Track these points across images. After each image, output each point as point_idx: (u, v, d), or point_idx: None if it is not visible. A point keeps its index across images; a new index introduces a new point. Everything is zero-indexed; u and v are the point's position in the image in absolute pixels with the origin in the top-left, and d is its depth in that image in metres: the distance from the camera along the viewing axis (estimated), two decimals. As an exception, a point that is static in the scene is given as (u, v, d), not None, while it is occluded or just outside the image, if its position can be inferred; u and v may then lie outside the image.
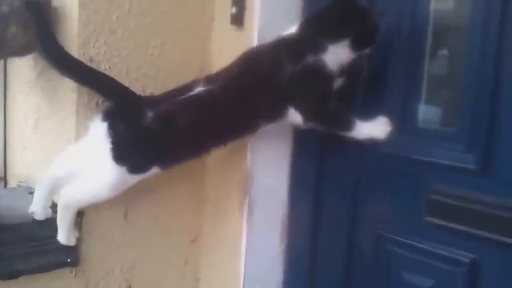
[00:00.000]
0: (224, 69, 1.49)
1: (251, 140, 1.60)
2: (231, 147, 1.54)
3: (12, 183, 1.98)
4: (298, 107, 1.41)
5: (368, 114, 1.40)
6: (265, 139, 1.59)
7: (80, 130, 1.56)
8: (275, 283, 1.72)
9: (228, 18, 1.66)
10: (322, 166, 1.62)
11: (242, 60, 1.48)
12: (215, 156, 1.79)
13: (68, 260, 1.57)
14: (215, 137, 1.48)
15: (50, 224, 1.56)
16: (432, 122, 1.45)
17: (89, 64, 1.54)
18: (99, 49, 1.56)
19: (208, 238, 1.83)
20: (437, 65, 1.44)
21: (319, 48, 1.38)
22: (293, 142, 1.66)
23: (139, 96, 1.54)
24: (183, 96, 1.46)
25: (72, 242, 1.52)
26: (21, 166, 1.93)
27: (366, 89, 1.51)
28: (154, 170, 1.47)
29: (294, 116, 1.42)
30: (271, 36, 1.49)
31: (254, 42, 1.59)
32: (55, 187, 1.50)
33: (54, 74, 1.64)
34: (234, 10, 1.64)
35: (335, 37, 1.38)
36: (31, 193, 1.77)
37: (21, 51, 1.62)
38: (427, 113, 1.44)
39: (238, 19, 1.64)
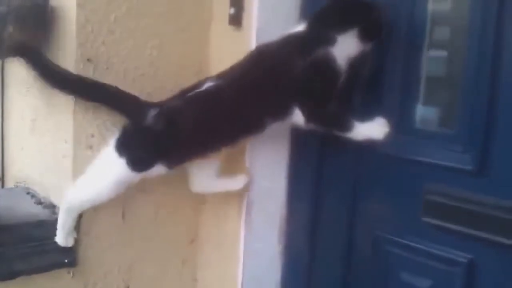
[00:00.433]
0: (232, 66, 1.48)
1: (250, 141, 1.60)
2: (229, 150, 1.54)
3: (9, 183, 1.98)
4: (302, 106, 1.41)
5: (366, 114, 1.40)
6: (264, 140, 1.58)
7: (78, 131, 1.56)
8: (273, 284, 1.72)
9: (226, 19, 1.66)
10: (321, 167, 1.62)
11: (251, 57, 1.48)
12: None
13: (66, 260, 1.57)
14: (221, 134, 1.47)
15: (48, 225, 1.57)
16: (430, 123, 1.46)
17: (87, 64, 1.54)
18: (97, 50, 1.56)
19: (206, 238, 1.83)
20: (435, 66, 1.44)
21: (329, 40, 1.38)
22: (291, 143, 1.66)
23: (144, 100, 1.54)
24: (190, 94, 1.46)
25: (70, 244, 1.53)
26: (19, 166, 1.93)
27: (364, 89, 1.51)
28: (159, 169, 1.47)
29: (297, 116, 1.42)
30: (269, 37, 1.50)
31: (252, 43, 1.59)
32: (80, 211, 1.53)
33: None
34: (232, 10, 1.64)
35: (344, 27, 1.38)
36: (29, 193, 1.77)
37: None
38: (425, 114, 1.44)
39: (236, 20, 1.64)
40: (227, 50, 1.70)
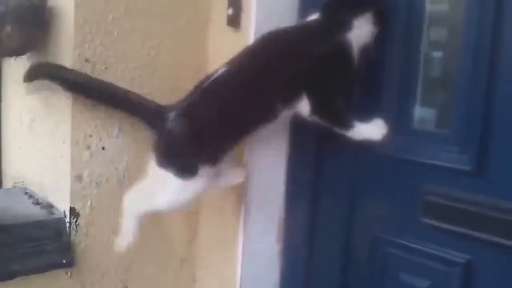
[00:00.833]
0: (243, 51, 1.46)
1: (248, 141, 1.60)
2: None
3: (7, 183, 1.97)
4: (311, 95, 1.39)
5: (364, 115, 1.40)
6: (262, 140, 1.58)
7: (76, 131, 1.56)
8: (271, 284, 1.72)
9: (224, 20, 1.66)
10: (319, 168, 1.62)
11: (263, 41, 1.45)
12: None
13: (64, 261, 1.57)
14: (241, 121, 1.43)
15: (45, 225, 1.57)
16: (427, 123, 1.46)
17: (84, 64, 1.54)
18: (95, 50, 1.55)
19: (205, 239, 1.83)
20: (432, 67, 1.44)
21: (346, 25, 1.38)
22: (289, 143, 1.66)
23: (161, 105, 1.50)
24: (204, 85, 1.44)
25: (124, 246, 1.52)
26: (17, 166, 1.93)
27: (362, 90, 1.51)
28: (208, 171, 1.42)
29: (304, 106, 1.40)
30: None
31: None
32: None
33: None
34: (230, 11, 1.64)
35: (360, 10, 1.38)
36: (27, 193, 1.77)
37: (16, 52, 1.62)
38: (422, 114, 1.45)
39: (234, 21, 1.64)
40: (225, 50, 1.69)
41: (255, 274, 1.70)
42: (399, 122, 1.43)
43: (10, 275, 1.49)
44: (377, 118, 1.40)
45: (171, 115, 1.42)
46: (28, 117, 1.80)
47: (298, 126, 1.57)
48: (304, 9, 1.60)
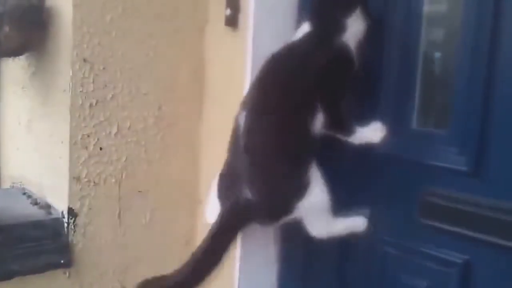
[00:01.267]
0: (252, 85, 1.43)
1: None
2: (225, 149, 1.54)
3: (5, 184, 1.97)
4: (322, 106, 1.36)
5: (362, 116, 1.40)
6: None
7: (74, 131, 1.56)
8: (269, 284, 1.72)
9: (222, 20, 1.66)
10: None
11: (268, 67, 1.41)
12: (209, 158, 1.79)
13: (62, 261, 1.57)
14: (290, 154, 1.38)
15: (44, 225, 1.57)
16: (425, 124, 1.46)
17: (83, 64, 1.54)
18: (93, 50, 1.56)
19: (202, 239, 1.83)
20: (430, 67, 1.44)
21: (339, 27, 1.36)
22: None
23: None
24: (237, 142, 1.39)
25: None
26: (15, 167, 1.93)
27: (361, 90, 1.51)
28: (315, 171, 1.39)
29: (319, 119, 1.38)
30: (265, 38, 1.50)
31: (249, 44, 1.58)
32: None
33: (48, 74, 1.65)
34: (228, 11, 1.63)
35: (350, 9, 1.37)
36: (25, 193, 1.77)
37: (14, 52, 1.63)
38: (420, 115, 1.45)
39: (232, 21, 1.64)
40: (223, 51, 1.70)
41: (253, 275, 1.70)
42: (397, 123, 1.43)
43: (9, 275, 1.49)
44: (375, 121, 1.40)
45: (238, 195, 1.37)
46: (26, 117, 1.80)
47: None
48: (302, 10, 1.60)
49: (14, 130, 1.91)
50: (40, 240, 1.55)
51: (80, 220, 1.59)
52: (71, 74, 1.53)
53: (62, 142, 1.58)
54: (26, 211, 1.63)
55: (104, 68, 1.58)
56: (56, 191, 1.64)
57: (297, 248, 1.68)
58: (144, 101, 1.67)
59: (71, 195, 1.58)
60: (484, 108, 1.26)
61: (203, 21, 1.75)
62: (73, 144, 1.56)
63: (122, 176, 1.65)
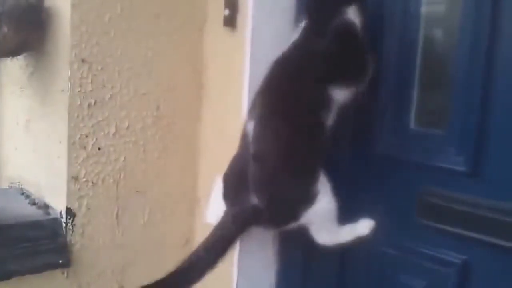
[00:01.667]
0: (260, 89, 1.40)
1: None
2: (224, 149, 1.54)
3: (3, 184, 1.97)
4: (341, 78, 1.34)
5: (360, 116, 1.40)
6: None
7: (72, 131, 1.56)
8: (267, 284, 1.72)
9: (221, 20, 1.66)
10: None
11: (275, 70, 1.39)
12: (208, 158, 1.79)
13: (60, 261, 1.57)
14: (306, 151, 1.36)
15: (42, 225, 1.56)
16: (424, 124, 1.46)
17: (81, 64, 1.54)
18: (91, 50, 1.56)
19: (201, 240, 1.83)
20: (429, 67, 1.44)
21: (339, 11, 1.34)
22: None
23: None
24: (247, 149, 1.37)
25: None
26: (13, 167, 1.93)
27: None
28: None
29: (338, 94, 1.34)
30: (264, 38, 1.49)
31: (247, 44, 1.58)
32: None
33: (46, 74, 1.65)
34: (226, 12, 1.63)
35: (344, 2, 1.35)
36: (23, 194, 1.77)
37: (12, 52, 1.62)
38: (418, 115, 1.45)
39: (230, 21, 1.64)
40: (222, 51, 1.70)
41: (252, 275, 1.70)
42: (396, 123, 1.43)
43: (7, 275, 1.49)
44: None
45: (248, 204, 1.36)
46: (24, 117, 1.80)
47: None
48: (300, 10, 1.60)
49: (13, 130, 1.90)
50: (38, 240, 1.55)
51: (78, 220, 1.59)
52: (69, 74, 1.53)
53: (60, 142, 1.58)
54: (24, 211, 1.63)
55: (102, 68, 1.58)
56: (54, 191, 1.64)
57: (296, 249, 1.68)
58: (143, 101, 1.67)
59: (69, 195, 1.58)
60: (482, 108, 1.26)
61: (201, 21, 1.75)
62: (71, 144, 1.56)
63: (120, 176, 1.65)
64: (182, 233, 1.83)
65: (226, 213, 1.41)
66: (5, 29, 1.50)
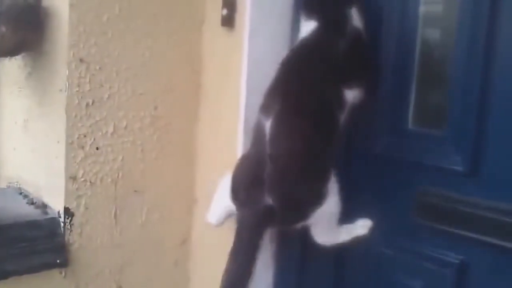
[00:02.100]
0: (271, 87, 1.39)
1: (240, 141, 1.60)
2: (221, 149, 1.54)
3: (2, 183, 1.97)
4: (355, 80, 1.37)
5: (358, 115, 1.40)
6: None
7: (70, 131, 1.56)
8: (265, 284, 1.72)
9: (218, 20, 1.66)
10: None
11: (288, 59, 1.40)
12: (206, 158, 1.79)
13: (58, 261, 1.57)
14: (320, 146, 1.36)
15: (40, 225, 1.56)
16: (422, 124, 1.46)
17: (79, 64, 1.54)
18: (89, 50, 1.55)
19: (198, 239, 1.83)
20: (426, 67, 1.45)
21: (347, 16, 1.37)
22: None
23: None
24: (265, 147, 1.34)
25: None
26: (11, 167, 1.93)
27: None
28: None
29: (350, 95, 1.37)
30: (262, 38, 1.49)
31: (245, 44, 1.58)
32: None
33: (44, 74, 1.64)
34: (225, 12, 1.63)
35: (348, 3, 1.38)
36: (21, 193, 1.77)
37: (10, 52, 1.62)
38: (416, 115, 1.45)
39: (229, 21, 1.64)
40: (220, 51, 1.70)
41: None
42: (394, 123, 1.43)
43: (4, 275, 1.49)
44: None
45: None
46: (22, 117, 1.80)
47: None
48: (297, 10, 1.60)
49: (11, 130, 1.90)
50: (36, 239, 1.55)
51: (76, 219, 1.59)
52: (67, 73, 1.53)
53: (58, 142, 1.58)
54: (22, 211, 1.63)
55: (100, 68, 1.58)
56: (52, 190, 1.64)
57: (293, 251, 1.68)
58: (141, 101, 1.67)
59: (67, 195, 1.58)
60: (480, 108, 1.26)
61: (199, 21, 1.75)
62: (69, 144, 1.56)
63: (118, 176, 1.65)
64: (180, 233, 1.83)
65: (240, 221, 1.38)
66: (3, 28, 1.50)
